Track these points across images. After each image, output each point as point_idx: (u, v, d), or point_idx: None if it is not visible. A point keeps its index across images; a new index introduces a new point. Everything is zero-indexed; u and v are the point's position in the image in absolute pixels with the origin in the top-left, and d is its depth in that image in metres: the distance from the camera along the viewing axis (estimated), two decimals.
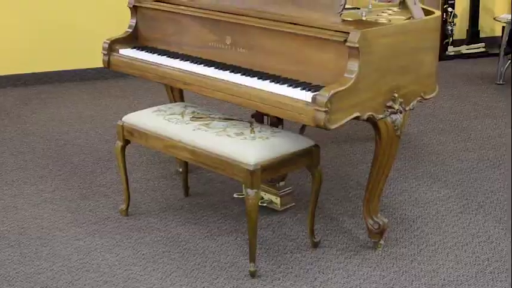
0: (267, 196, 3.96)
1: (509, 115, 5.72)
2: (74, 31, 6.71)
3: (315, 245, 3.63)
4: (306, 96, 3.09)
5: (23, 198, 4.20)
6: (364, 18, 3.59)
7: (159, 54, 3.87)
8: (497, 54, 7.05)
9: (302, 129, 4.27)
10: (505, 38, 6.82)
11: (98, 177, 4.49)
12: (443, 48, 7.70)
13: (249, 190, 3.23)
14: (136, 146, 4.60)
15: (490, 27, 8.36)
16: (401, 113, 3.34)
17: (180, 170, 4.33)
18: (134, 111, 3.98)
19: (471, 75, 7.09)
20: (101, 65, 4.17)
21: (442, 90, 6.29)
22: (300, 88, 3.17)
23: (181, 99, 4.38)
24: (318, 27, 3.24)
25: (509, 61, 6.88)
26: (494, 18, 7.27)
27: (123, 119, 3.84)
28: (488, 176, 4.52)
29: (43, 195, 4.24)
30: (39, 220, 3.92)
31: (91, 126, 5.48)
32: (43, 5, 6.58)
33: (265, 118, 4.04)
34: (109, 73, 6.79)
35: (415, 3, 3.49)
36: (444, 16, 7.65)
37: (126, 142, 3.84)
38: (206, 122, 3.61)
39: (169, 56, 3.82)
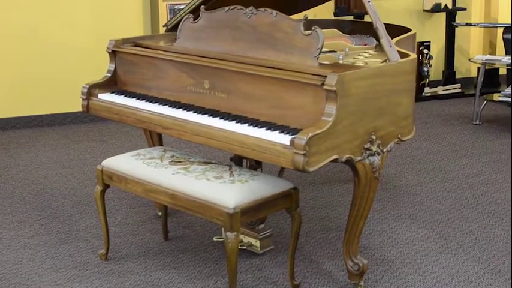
0: (246, 239, 3.97)
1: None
2: (52, 76, 6.73)
3: None
4: (284, 139, 3.10)
5: (1, 244, 4.17)
6: (341, 62, 3.64)
7: (137, 99, 3.88)
8: (473, 95, 7.13)
9: (281, 172, 4.28)
10: (481, 79, 6.90)
11: (77, 222, 4.48)
12: (419, 89, 7.78)
13: (228, 233, 3.24)
14: (116, 190, 4.61)
15: (466, 68, 8.46)
16: (379, 154, 3.37)
17: (160, 213, 4.33)
18: (113, 155, 3.99)
19: (448, 116, 7.15)
20: (79, 109, 4.19)
21: (420, 131, 6.36)
22: (278, 131, 3.19)
23: (160, 143, 4.39)
24: (296, 71, 3.27)
25: (485, 101, 6.95)
26: (469, 60, 7.36)
27: (103, 163, 3.84)
28: (466, 215, 4.55)
29: (22, 240, 4.22)
30: (18, 265, 3.90)
31: (70, 171, 5.47)
32: (22, 50, 6.60)
33: (244, 161, 4.06)
34: (88, 117, 6.80)
35: (390, 46, 3.53)
36: (420, 58, 7.74)
37: (106, 186, 3.84)
38: (185, 166, 3.62)
39: (148, 101, 3.83)
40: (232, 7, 3.69)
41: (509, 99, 6.73)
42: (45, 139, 6.38)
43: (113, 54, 4.13)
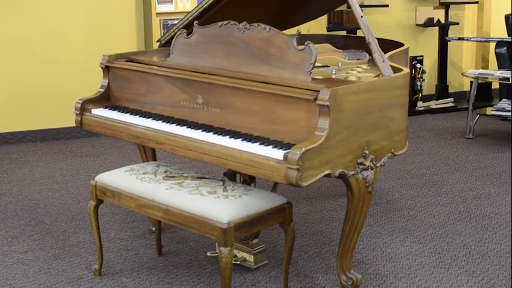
0: (240, 254, 3.96)
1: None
2: (46, 91, 6.74)
3: None
4: (278, 154, 3.11)
5: None
6: (333, 76, 3.65)
7: (131, 114, 3.89)
8: (466, 109, 7.15)
9: (274, 187, 4.29)
10: (473, 93, 6.92)
11: (71, 237, 4.47)
12: (413, 103, 7.80)
13: (222, 248, 3.23)
14: (109, 205, 4.60)
15: (459, 82, 8.49)
16: (372, 169, 3.37)
17: (153, 229, 4.32)
18: (107, 170, 3.99)
19: (441, 130, 7.17)
20: (73, 124, 4.19)
21: (413, 145, 6.37)
22: (271, 146, 3.19)
23: (154, 158, 4.39)
24: (289, 86, 3.28)
25: (478, 115, 6.97)
26: (462, 74, 7.38)
27: (96, 178, 3.84)
28: (460, 229, 4.55)
29: (15, 256, 4.21)
30: (11, 281, 3.89)
31: (63, 186, 5.47)
32: (15, 65, 6.61)
33: (237, 176, 4.06)
34: (81, 132, 6.81)
35: (383, 61, 3.54)
36: (413, 72, 7.77)
37: (99, 202, 3.84)
38: (179, 181, 3.62)
39: (141, 116, 3.84)
40: (225, 22, 3.70)
41: (502, 113, 6.76)
42: (38, 154, 6.38)
43: (107, 69, 4.13)
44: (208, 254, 3.99)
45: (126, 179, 3.73)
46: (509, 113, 6.70)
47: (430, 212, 4.87)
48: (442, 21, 8.01)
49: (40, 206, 5.04)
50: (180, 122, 3.65)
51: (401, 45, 4.40)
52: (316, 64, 3.48)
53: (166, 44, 4.27)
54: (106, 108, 4.05)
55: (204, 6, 4.04)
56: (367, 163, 3.34)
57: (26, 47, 6.62)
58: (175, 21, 6.36)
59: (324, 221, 4.71)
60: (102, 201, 3.84)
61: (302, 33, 3.65)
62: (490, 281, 3.85)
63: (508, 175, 5.67)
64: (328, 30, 7.34)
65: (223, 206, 3.30)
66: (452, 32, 8.15)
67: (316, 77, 3.41)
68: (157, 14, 6.72)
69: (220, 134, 3.42)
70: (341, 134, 3.16)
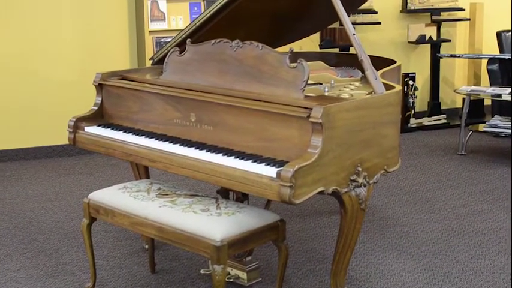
0: (233, 271, 3.96)
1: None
2: (39, 109, 6.74)
3: None
4: (271, 171, 3.11)
5: None
6: (326, 94, 3.66)
7: (124, 132, 3.89)
8: (459, 126, 7.17)
9: (268, 204, 4.29)
10: (466, 110, 6.94)
11: (64, 255, 4.46)
12: (405, 120, 7.82)
13: (215, 266, 3.23)
14: (102, 223, 4.60)
15: (451, 99, 8.52)
16: (365, 186, 3.38)
17: (147, 246, 4.32)
18: (100, 188, 3.98)
19: (434, 147, 7.19)
20: (65, 142, 4.19)
21: (406, 162, 6.38)
22: (264, 164, 3.20)
23: (147, 176, 4.39)
24: (281, 104, 3.29)
25: (471, 132, 6.99)
26: (454, 91, 7.40)
27: (89, 196, 3.84)
28: (453, 246, 4.56)
29: (8, 274, 4.20)
30: None
31: (56, 204, 5.46)
32: (8, 82, 6.61)
33: (230, 193, 4.06)
34: (74, 150, 6.80)
35: (376, 78, 3.56)
36: (405, 89, 7.79)
37: (92, 219, 3.83)
38: (172, 199, 3.62)
39: (134, 134, 3.84)
40: (218, 40, 3.71)
41: (494, 130, 6.78)
42: (31, 172, 6.37)
43: (100, 87, 4.14)
44: (202, 271, 3.99)
45: (119, 197, 3.72)
46: (501, 130, 6.72)
47: (423, 228, 4.88)
48: (434, 38, 8.04)
49: (33, 223, 5.03)
50: (173, 140, 3.66)
51: (394, 62, 4.42)
52: (309, 81, 3.50)
53: (159, 61, 4.27)
54: (99, 126, 4.05)
55: (197, 24, 4.05)
56: (360, 180, 3.34)
57: (18, 64, 6.62)
58: (168, 39, 6.36)
59: (317, 238, 4.71)
60: (95, 219, 3.83)
61: (295, 50, 3.67)
62: None
63: (501, 191, 5.68)
64: (320, 48, 7.36)
65: (216, 224, 3.30)
66: (444, 49, 8.18)
67: (308, 94, 3.42)
68: (150, 31, 6.74)
69: (213, 152, 3.43)
70: (334, 152, 3.17)
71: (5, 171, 6.37)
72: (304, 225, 4.94)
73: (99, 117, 4.13)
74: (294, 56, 3.50)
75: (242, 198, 3.98)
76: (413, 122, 7.94)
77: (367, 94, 3.61)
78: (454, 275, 4.14)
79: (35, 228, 4.93)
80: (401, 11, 8.04)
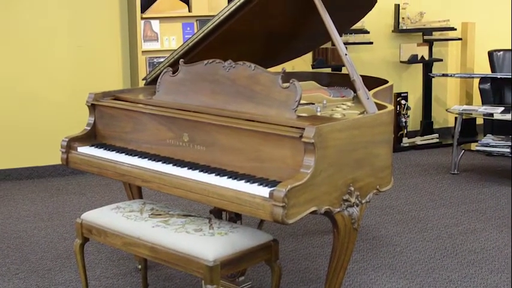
0: None
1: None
2: (31, 129, 6.74)
3: None
4: (264, 191, 3.11)
5: None
6: (319, 114, 3.67)
7: (117, 152, 3.89)
8: (451, 145, 7.19)
9: (261, 224, 4.28)
10: (458, 129, 6.96)
11: (57, 276, 4.45)
12: (398, 139, 7.84)
13: (208, 286, 3.22)
14: (95, 243, 4.59)
15: (443, 118, 8.54)
16: (357, 206, 3.39)
17: (139, 266, 4.31)
18: (93, 208, 3.98)
19: (426, 166, 7.20)
20: (58, 162, 4.19)
21: (398, 181, 6.39)
22: (257, 184, 3.20)
23: (140, 196, 4.39)
24: (274, 124, 3.30)
25: (463, 151, 7.01)
26: (446, 110, 7.43)
27: (82, 216, 3.83)
28: (446, 265, 4.56)
29: None
30: None
31: (49, 224, 5.45)
32: (1, 102, 6.61)
33: (223, 213, 4.06)
34: (67, 170, 6.80)
35: (368, 98, 3.57)
36: (398, 108, 7.82)
37: (85, 240, 3.83)
38: (165, 219, 3.62)
39: (127, 154, 3.84)
40: (211, 61, 3.73)
41: (487, 149, 6.80)
42: (24, 192, 6.36)
43: (93, 107, 4.14)
44: None
45: (112, 217, 3.72)
46: (494, 149, 6.74)
47: (416, 247, 4.88)
48: (426, 57, 8.07)
49: (26, 244, 5.02)
50: (166, 160, 3.66)
51: (386, 82, 4.44)
52: (301, 101, 3.51)
53: (152, 82, 4.29)
54: (92, 146, 4.06)
55: (190, 44, 4.07)
56: (353, 200, 3.35)
57: (11, 84, 6.63)
58: (161, 59, 6.40)
59: (310, 258, 4.71)
60: (88, 239, 3.83)
61: (287, 70, 3.69)
62: None
63: (494, 210, 5.69)
64: (313, 68, 7.39)
65: (209, 244, 3.30)
66: (436, 68, 8.22)
67: (301, 114, 3.43)
68: (143, 52, 6.75)
69: (206, 172, 3.43)
70: (326, 171, 3.18)
71: None
72: (297, 245, 4.94)
73: (92, 137, 4.13)
74: (287, 76, 3.51)
75: (235, 218, 3.98)
76: (405, 141, 7.95)
77: (360, 114, 3.62)
78: None
79: (27, 249, 4.92)
80: (393, 31, 8.08)
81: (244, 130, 3.37)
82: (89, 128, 4.14)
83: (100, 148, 4.01)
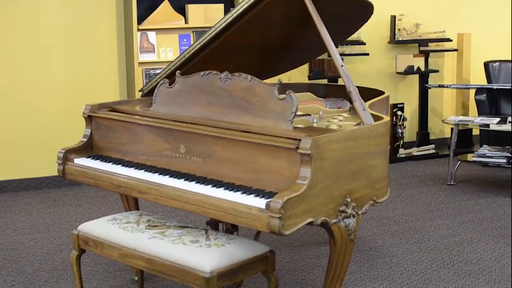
0: None
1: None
2: (28, 140, 6.74)
3: None
4: (260, 203, 3.12)
5: None
6: (315, 125, 3.68)
7: (114, 163, 3.90)
8: (447, 156, 7.20)
9: (257, 235, 4.29)
10: (454, 140, 6.97)
11: (53, 287, 4.44)
12: (394, 150, 7.84)
13: None
14: (92, 254, 4.58)
15: (440, 129, 8.56)
16: (354, 217, 3.39)
17: (136, 278, 4.31)
18: (89, 219, 3.98)
19: (422, 177, 7.21)
20: (54, 173, 4.19)
21: (395, 192, 6.39)
22: (253, 195, 3.20)
23: (136, 208, 4.39)
24: (270, 135, 3.31)
25: (459, 162, 7.02)
26: (442, 121, 7.44)
27: (79, 228, 3.83)
28: (442, 276, 4.56)
29: None
30: None
31: (46, 235, 5.44)
32: None
33: (220, 225, 4.06)
34: (63, 182, 6.79)
35: (364, 109, 3.58)
36: (394, 119, 7.82)
37: (82, 251, 3.83)
38: (161, 230, 3.62)
39: (124, 165, 3.85)
40: (207, 72, 3.73)
41: (483, 160, 6.81)
42: (20, 204, 6.36)
43: (89, 119, 4.15)
44: None
45: (109, 229, 3.72)
46: (490, 159, 6.75)
47: (412, 258, 4.88)
48: (422, 68, 8.09)
49: (22, 255, 5.01)
50: (163, 171, 3.66)
51: (382, 93, 4.45)
52: (298, 113, 3.52)
53: (148, 93, 4.30)
54: (89, 157, 4.06)
55: (186, 56, 4.08)
56: (349, 211, 3.35)
57: (8, 95, 6.63)
58: (158, 71, 6.40)
59: (307, 269, 4.70)
60: (85, 251, 3.83)
61: (283, 82, 3.70)
62: None
63: (490, 221, 5.69)
64: (309, 79, 7.40)
65: (205, 255, 3.30)
66: (432, 79, 8.24)
67: (297, 125, 3.44)
68: (139, 63, 6.76)
69: (202, 183, 3.43)
70: (323, 183, 3.18)
71: None
72: (294, 256, 4.94)
73: (88, 148, 4.14)
74: (283, 88, 3.52)
75: (232, 229, 3.98)
76: (402, 152, 7.96)
77: (356, 125, 3.63)
78: None
79: (24, 260, 4.91)
80: (389, 42, 8.10)
81: (241, 141, 3.38)
82: (85, 140, 4.15)
83: (97, 159, 4.01)
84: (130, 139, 3.95)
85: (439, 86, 8.04)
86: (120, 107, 4.16)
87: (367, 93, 4.24)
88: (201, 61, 4.11)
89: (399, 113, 7.87)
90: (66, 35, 6.77)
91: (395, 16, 7.96)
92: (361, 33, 7.54)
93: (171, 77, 4.01)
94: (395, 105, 7.86)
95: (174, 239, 3.50)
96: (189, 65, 4.12)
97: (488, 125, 6.78)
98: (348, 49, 7.66)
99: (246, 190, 3.28)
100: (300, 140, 3.14)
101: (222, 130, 3.49)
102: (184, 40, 6.96)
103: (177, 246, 3.41)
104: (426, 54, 8.14)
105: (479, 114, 7.52)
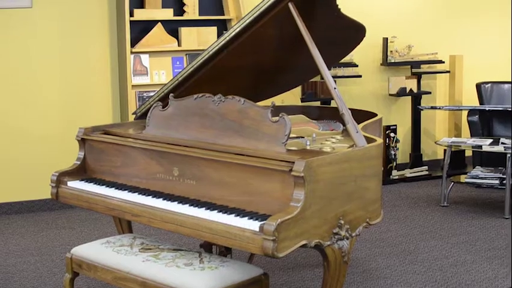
0: None
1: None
2: (21, 163, 6.73)
3: None
4: (254, 225, 3.12)
5: None
6: (308, 147, 3.68)
7: (107, 186, 3.90)
8: (440, 177, 7.21)
9: (251, 258, 4.29)
10: (447, 161, 6.99)
11: None
12: (387, 172, 7.85)
13: None
14: (85, 277, 4.56)
15: (432, 150, 8.58)
16: (347, 239, 3.39)
17: None
18: (83, 242, 3.97)
19: (416, 198, 7.21)
20: (48, 196, 4.18)
21: (388, 214, 6.39)
22: (247, 217, 3.21)
23: (130, 231, 4.38)
24: (264, 158, 3.31)
25: (452, 183, 7.03)
26: (435, 142, 7.46)
27: (72, 251, 3.83)
28: None
29: None
30: None
31: (39, 259, 5.42)
32: None
33: (214, 247, 4.06)
34: (56, 204, 6.78)
35: (357, 132, 3.59)
36: (387, 141, 7.84)
37: (75, 274, 3.82)
38: (155, 253, 3.62)
39: (117, 188, 3.85)
40: (200, 95, 3.75)
41: (476, 181, 6.82)
42: (13, 227, 6.34)
43: (82, 142, 4.15)
44: None
45: (102, 252, 3.72)
46: (483, 180, 6.77)
47: (406, 280, 4.88)
48: (415, 90, 8.12)
49: (15, 278, 4.99)
50: (156, 194, 3.66)
51: (375, 115, 4.46)
52: (291, 135, 3.52)
53: (142, 116, 4.30)
54: (82, 180, 4.06)
55: (180, 79, 4.09)
56: (343, 233, 3.35)
57: (1, 118, 6.63)
58: (151, 94, 6.42)
59: None
60: (78, 274, 3.82)
61: (277, 104, 3.71)
62: None
63: (484, 242, 5.70)
64: (302, 101, 7.42)
65: (199, 278, 3.30)
66: (424, 101, 8.27)
67: (291, 148, 3.45)
68: (133, 86, 6.77)
69: (196, 206, 3.43)
70: (316, 205, 3.19)
71: None
72: (288, 279, 4.93)
73: (82, 171, 4.14)
74: (276, 110, 3.53)
75: (225, 252, 3.97)
76: (395, 173, 7.97)
77: (349, 147, 3.63)
78: None
79: (17, 284, 4.90)
80: (381, 64, 8.13)
81: (234, 164, 3.38)
82: (78, 163, 4.15)
83: (90, 182, 4.01)
84: (123, 162, 3.95)
85: (432, 107, 8.07)
86: (113, 130, 4.16)
87: (360, 116, 4.25)
88: (194, 84, 4.12)
89: (392, 134, 7.89)
90: (59, 58, 6.78)
91: (387, 38, 8.00)
92: (353, 56, 7.57)
93: (164, 100, 4.03)
94: (388, 127, 7.88)
95: (168, 261, 3.49)
96: (182, 87, 4.13)
97: (480, 146, 6.80)
98: (340, 71, 7.68)
99: (240, 213, 3.28)
100: (293, 162, 3.15)
101: (216, 153, 3.49)
102: (178, 63, 6.98)
103: (171, 269, 3.41)
104: (418, 76, 8.18)
105: (472, 135, 7.55)
